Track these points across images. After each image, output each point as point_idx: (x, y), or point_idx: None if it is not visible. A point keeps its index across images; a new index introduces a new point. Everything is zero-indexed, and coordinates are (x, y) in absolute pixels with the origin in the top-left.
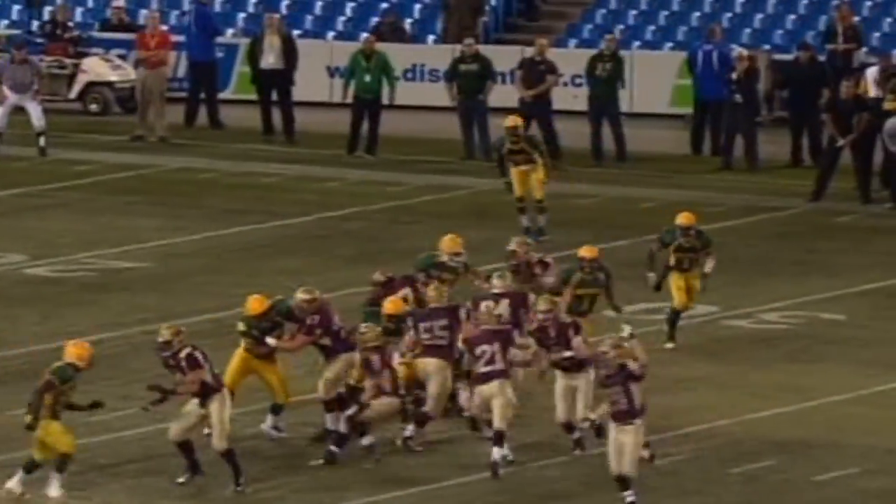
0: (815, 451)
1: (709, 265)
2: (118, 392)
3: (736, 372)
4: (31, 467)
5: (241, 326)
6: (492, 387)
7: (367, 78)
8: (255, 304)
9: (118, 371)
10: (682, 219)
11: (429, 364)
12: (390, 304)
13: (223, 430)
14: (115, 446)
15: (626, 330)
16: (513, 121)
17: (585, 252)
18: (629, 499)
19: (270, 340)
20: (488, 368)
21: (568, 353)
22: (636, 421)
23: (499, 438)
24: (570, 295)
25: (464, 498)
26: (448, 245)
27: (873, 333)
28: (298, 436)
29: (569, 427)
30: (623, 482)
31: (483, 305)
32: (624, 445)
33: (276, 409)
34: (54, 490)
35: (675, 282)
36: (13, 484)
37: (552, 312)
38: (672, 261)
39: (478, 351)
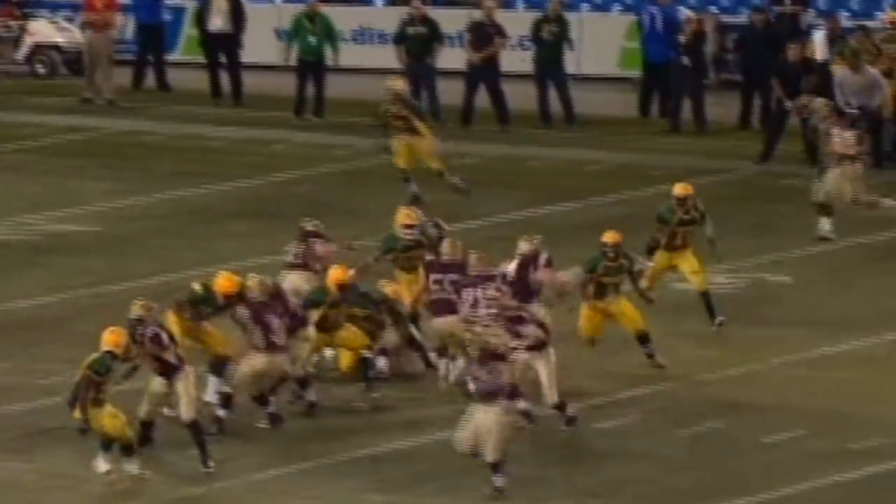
0: (762, 412)
1: (709, 229)
2: (64, 355)
3: (682, 334)
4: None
5: (198, 289)
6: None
7: (312, 40)
8: (226, 283)
9: (64, 334)
10: (679, 189)
11: (446, 323)
12: (336, 272)
13: (191, 400)
14: (61, 410)
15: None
16: (396, 84)
17: (609, 238)
18: (498, 482)
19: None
20: (473, 312)
21: (515, 343)
22: (501, 401)
23: None
24: (595, 283)
25: (413, 460)
26: (400, 218)
27: (820, 296)
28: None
29: (561, 406)
30: (476, 457)
31: (473, 256)
32: (484, 427)
33: (217, 369)
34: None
35: (656, 261)
36: (101, 465)
37: (497, 301)
38: (665, 238)
39: (464, 294)
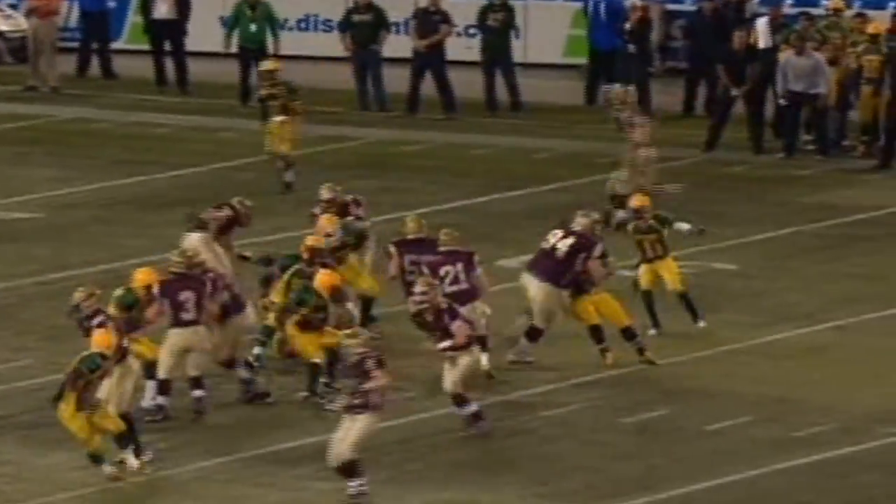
0: (707, 400)
1: (683, 227)
2: (10, 343)
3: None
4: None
5: (121, 294)
6: (471, 308)
7: (253, 28)
8: (145, 276)
9: (10, 322)
10: (635, 201)
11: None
12: (327, 278)
13: (123, 393)
14: (7, 397)
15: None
16: (269, 64)
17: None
18: (353, 490)
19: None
20: (455, 288)
21: (447, 344)
22: (367, 413)
23: (484, 344)
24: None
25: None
26: (322, 226)
27: (765, 283)
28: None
29: (457, 396)
30: (346, 470)
31: (442, 232)
32: (349, 431)
33: (151, 374)
34: (132, 462)
35: (643, 279)
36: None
37: (429, 295)
38: (639, 250)
39: (441, 272)
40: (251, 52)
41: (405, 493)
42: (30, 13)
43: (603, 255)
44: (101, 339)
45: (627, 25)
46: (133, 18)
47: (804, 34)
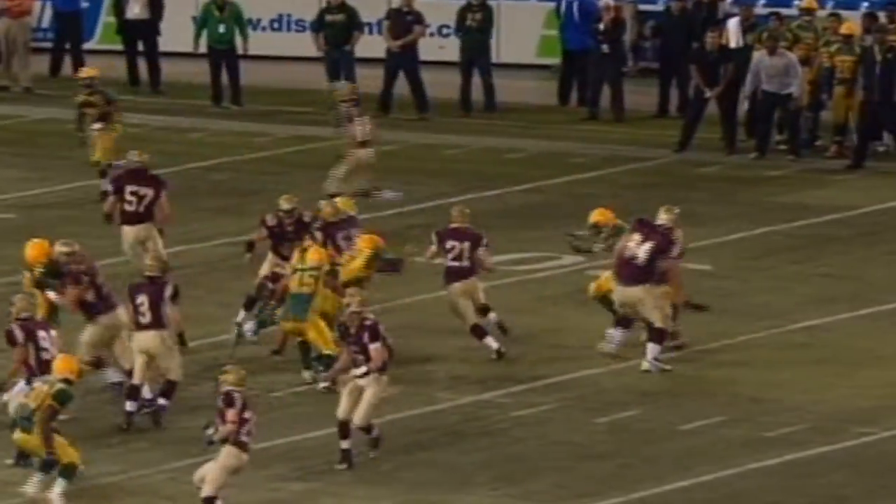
0: (679, 400)
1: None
2: None
3: (601, 321)
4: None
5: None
6: (463, 285)
7: (221, 28)
8: (31, 251)
9: None
10: (594, 216)
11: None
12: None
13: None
14: None
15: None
16: (87, 72)
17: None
18: None
19: (50, 295)
20: (456, 264)
21: (363, 370)
22: (228, 447)
23: (485, 311)
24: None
25: (330, 449)
26: (329, 213)
27: (738, 283)
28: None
29: (345, 425)
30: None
31: (456, 209)
32: (215, 463)
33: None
34: (31, 486)
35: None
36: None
37: (353, 304)
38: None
39: (448, 245)
40: (220, 53)
41: (377, 493)
42: (2, 13)
43: (680, 256)
44: (64, 365)
45: (601, 26)
46: (106, 19)
47: (776, 34)
